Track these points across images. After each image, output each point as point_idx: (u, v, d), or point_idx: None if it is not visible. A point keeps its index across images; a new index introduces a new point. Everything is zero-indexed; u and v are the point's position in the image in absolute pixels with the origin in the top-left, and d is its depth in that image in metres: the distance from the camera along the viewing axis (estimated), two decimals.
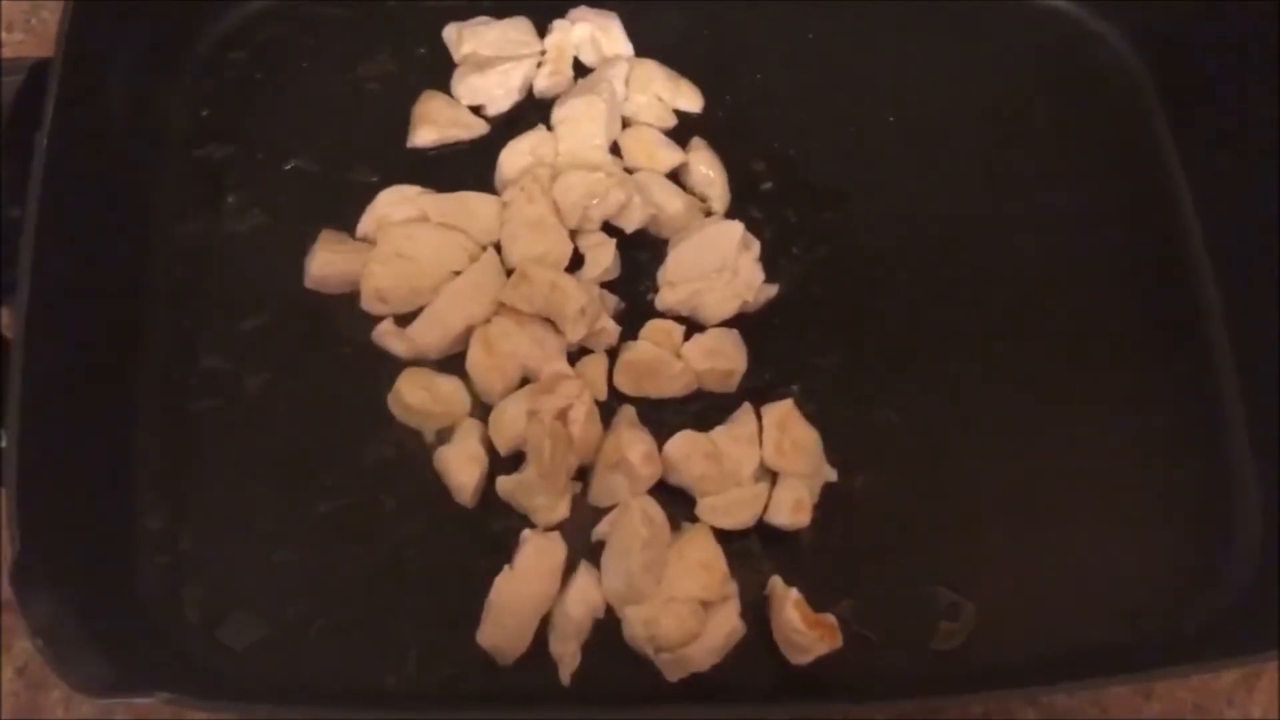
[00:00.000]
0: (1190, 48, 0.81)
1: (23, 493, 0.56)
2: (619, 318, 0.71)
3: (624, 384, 0.69)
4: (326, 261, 0.70)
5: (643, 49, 0.79)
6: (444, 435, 0.68)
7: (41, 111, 0.62)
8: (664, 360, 0.69)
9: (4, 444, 0.57)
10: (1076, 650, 0.65)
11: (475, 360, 0.68)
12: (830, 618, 0.63)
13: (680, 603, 0.62)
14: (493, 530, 0.66)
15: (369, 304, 0.70)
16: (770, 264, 0.73)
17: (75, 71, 0.64)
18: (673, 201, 0.74)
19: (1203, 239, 0.78)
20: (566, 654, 0.63)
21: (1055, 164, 0.80)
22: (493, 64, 0.77)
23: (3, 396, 0.57)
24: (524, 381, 0.68)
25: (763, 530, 0.67)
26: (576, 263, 0.71)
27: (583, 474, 0.67)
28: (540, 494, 0.65)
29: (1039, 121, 0.82)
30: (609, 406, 0.68)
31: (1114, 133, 0.82)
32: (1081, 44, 0.85)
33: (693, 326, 0.71)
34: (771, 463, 0.67)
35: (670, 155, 0.75)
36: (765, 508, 0.66)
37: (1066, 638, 0.66)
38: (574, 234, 0.72)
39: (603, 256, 0.71)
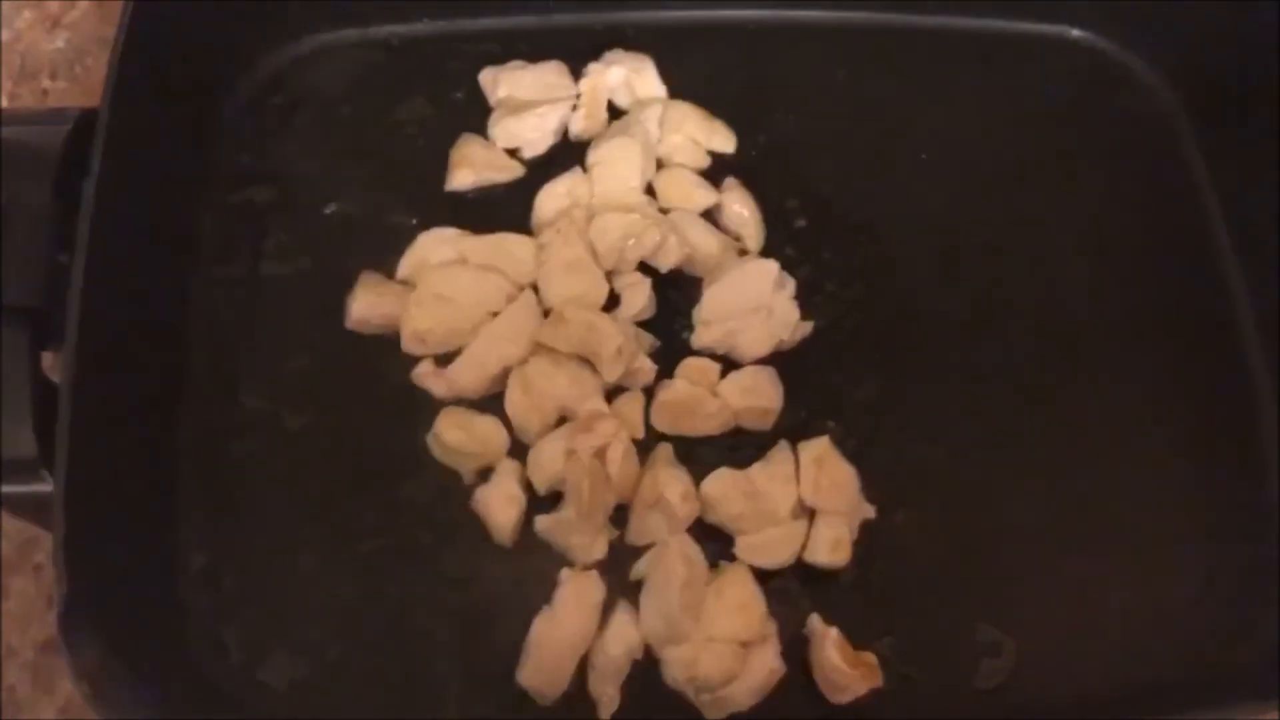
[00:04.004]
0: (1222, 81, 0.81)
1: (70, 535, 0.56)
2: (655, 357, 0.71)
3: (661, 422, 0.69)
4: (367, 304, 0.71)
5: (676, 91, 0.80)
6: (482, 475, 0.68)
7: (88, 159, 0.63)
8: (700, 398, 0.69)
9: (51, 488, 0.58)
10: (1121, 687, 0.65)
11: (513, 400, 0.69)
12: (871, 656, 0.63)
13: (719, 643, 0.62)
14: (531, 569, 0.66)
15: (409, 345, 0.71)
16: (805, 302, 0.73)
17: (121, 121, 0.65)
18: (707, 241, 0.74)
19: (1243, 272, 0.77)
20: (606, 694, 0.63)
21: (1089, 197, 0.80)
22: (529, 108, 0.77)
23: (51, 440, 0.58)
24: (561, 421, 0.69)
25: (801, 569, 0.66)
26: (613, 303, 0.72)
27: (620, 513, 0.67)
28: (578, 533, 0.65)
29: (1072, 155, 0.82)
30: (646, 445, 0.68)
31: (1148, 165, 0.82)
32: (1114, 78, 0.85)
33: (729, 364, 0.71)
34: (809, 500, 0.67)
35: (704, 195, 0.76)
36: (804, 546, 0.66)
37: (1111, 674, 0.65)
38: (610, 274, 0.72)
39: (638, 296, 0.72)
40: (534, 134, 0.78)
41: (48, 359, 0.62)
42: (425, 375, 0.70)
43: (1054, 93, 0.84)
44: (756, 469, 0.68)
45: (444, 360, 0.70)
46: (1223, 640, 0.67)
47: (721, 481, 0.66)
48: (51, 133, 0.64)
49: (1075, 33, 0.86)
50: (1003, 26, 0.86)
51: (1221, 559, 0.69)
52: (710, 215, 0.76)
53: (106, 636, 0.56)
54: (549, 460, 0.67)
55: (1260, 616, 0.67)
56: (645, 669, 0.64)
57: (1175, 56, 0.83)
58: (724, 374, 0.70)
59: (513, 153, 0.78)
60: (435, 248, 0.73)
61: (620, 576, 0.66)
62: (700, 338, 0.72)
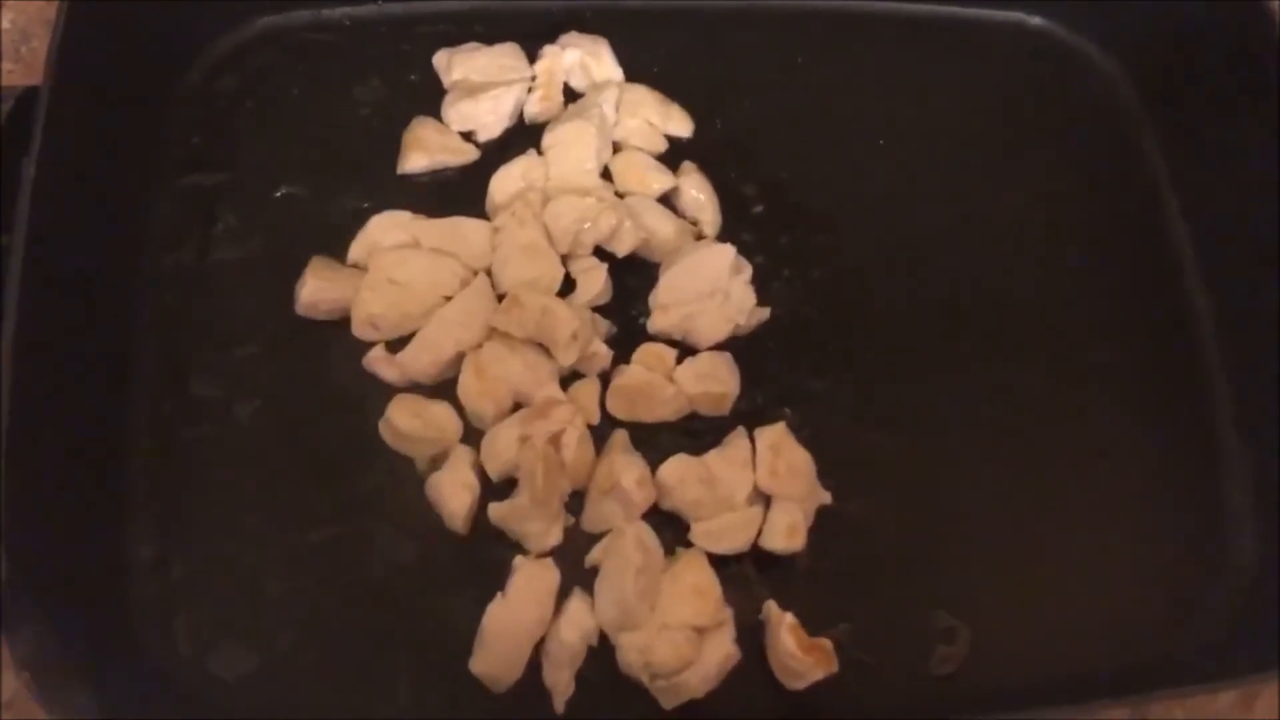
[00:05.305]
0: (1178, 67, 0.81)
1: (11, 522, 0.56)
2: (611, 342, 0.71)
3: (616, 408, 0.69)
4: (317, 288, 0.70)
5: (633, 74, 0.80)
6: (436, 462, 0.67)
7: (30, 139, 0.62)
8: (656, 384, 0.69)
9: None
10: (1072, 673, 0.65)
11: (467, 386, 0.68)
12: (826, 642, 0.63)
13: (674, 629, 0.62)
14: (485, 557, 0.66)
15: (360, 330, 0.70)
16: (762, 287, 0.73)
17: (64, 99, 0.64)
18: (664, 225, 0.74)
19: (1194, 256, 0.78)
20: (560, 682, 0.62)
21: (1045, 184, 0.81)
22: (483, 90, 0.77)
23: None
24: (516, 407, 0.68)
25: (757, 554, 0.66)
26: (568, 287, 0.71)
27: (576, 499, 0.67)
28: (532, 520, 0.65)
29: (1028, 143, 0.82)
30: (601, 431, 0.68)
31: (1103, 152, 0.83)
32: (1071, 65, 0.85)
33: (685, 350, 0.71)
34: (765, 486, 0.66)
35: (661, 179, 0.76)
36: (759, 532, 0.66)
37: (1062, 660, 0.66)
38: (565, 259, 0.72)
39: (594, 281, 0.71)
40: (489, 117, 0.77)
41: None
42: (377, 361, 0.69)
43: (1011, 79, 0.85)
44: (713, 455, 0.67)
45: (396, 345, 0.70)
46: (1170, 628, 0.67)
47: (677, 467, 0.66)
48: None
49: (1033, 20, 0.86)
50: (961, 13, 0.86)
51: (1170, 550, 0.70)
52: (667, 200, 0.76)
53: (48, 626, 0.55)
54: (503, 447, 0.66)
55: (1206, 606, 0.68)
56: (600, 656, 0.63)
57: (1130, 44, 0.84)
58: (680, 360, 0.70)
59: (467, 135, 0.77)
60: (387, 231, 0.72)
61: (575, 563, 0.65)
62: (656, 322, 0.71)
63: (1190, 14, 0.79)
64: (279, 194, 0.75)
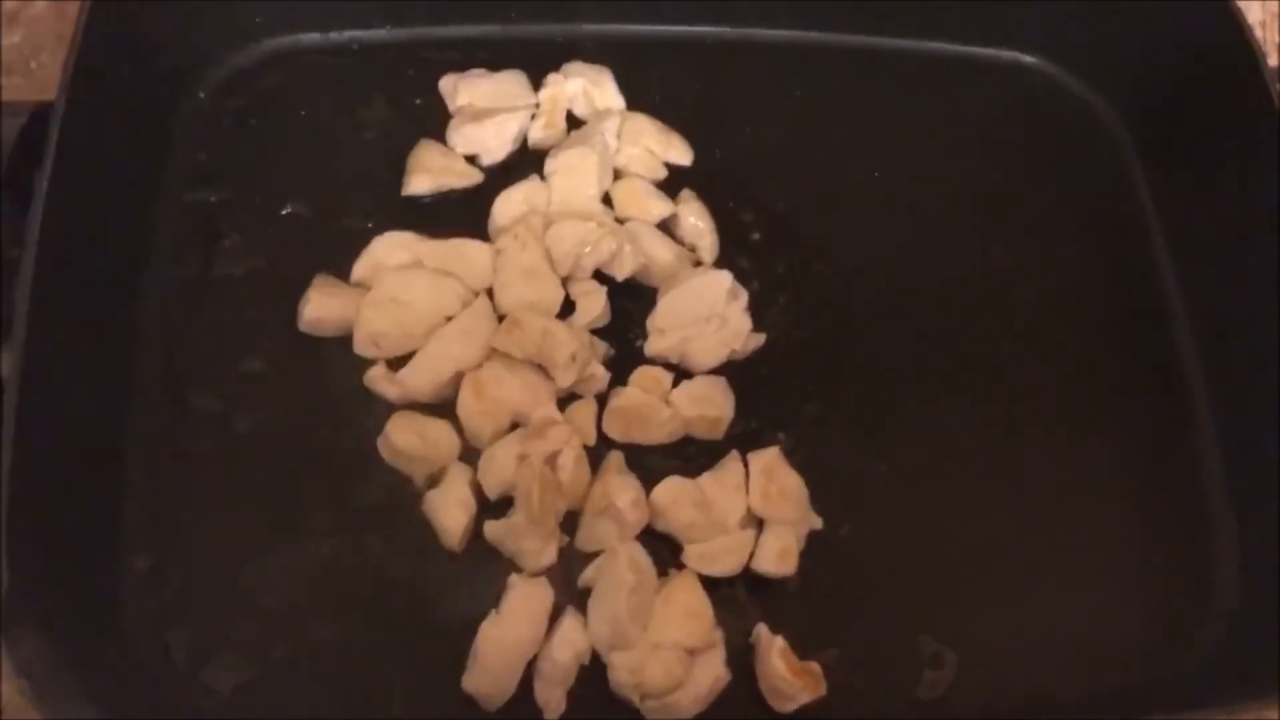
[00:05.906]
0: (1167, 107, 0.83)
1: (12, 532, 0.56)
2: (609, 364, 0.72)
3: (613, 430, 0.70)
4: (320, 305, 0.71)
5: (634, 103, 0.81)
6: (433, 479, 0.68)
7: (42, 154, 0.63)
8: (652, 406, 0.70)
9: None
10: (1059, 699, 0.66)
11: (465, 405, 0.69)
12: (815, 666, 0.64)
13: (666, 650, 0.63)
14: (480, 575, 0.66)
15: (362, 348, 0.71)
16: (758, 313, 0.74)
17: (76, 116, 0.65)
18: (663, 251, 0.75)
19: (1180, 289, 0.79)
20: (552, 700, 0.63)
21: (1036, 216, 0.82)
22: (488, 115, 0.78)
23: None
24: (514, 426, 0.69)
25: (748, 578, 0.67)
26: (568, 310, 0.72)
27: (571, 519, 0.67)
28: (528, 539, 0.65)
29: (1021, 177, 0.84)
30: (598, 452, 0.69)
31: (1094, 187, 0.84)
32: (1063, 102, 0.87)
33: (681, 374, 0.72)
34: (758, 510, 0.67)
35: (660, 206, 0.77)
36: (751, 555, 0.67)
37: (1050, 686, 0.66)
38: (565, 281, 0.73)
39: (593, 304, 0.72)
40: (492, 141, 0.78)
41: None
42: (378, 378, 0.70)
43: (1004, 116, 0.86)
44: (706, 478, 0.68)
45: (397, 364, 0.70)
46: (1156, 653, 0.68)
47: (671, 489, 0.67)
48: (4, 127, 0.64)
49: (1026, 58, 0.88)
50: (956, 51, 0.88)
51: (1156, 575, 0.71)
52: (666, 226, 0.77)
53: (47, 633, 0.55)
54: (500, 466, 0.67)
55: (1192, 632, 0.69)
56: (592, 674, 0.64)
57: (1122, 83, 0.86)
58: (676, 383, 0.71)
59: (471, 159, 0.78)
60: (391, 251, 0.73)
61: (569, 583, 0.66)
62: (654, 346, 0.72)
63: (1179, 55, 0.80)
64: (284, 212, 0.76)
